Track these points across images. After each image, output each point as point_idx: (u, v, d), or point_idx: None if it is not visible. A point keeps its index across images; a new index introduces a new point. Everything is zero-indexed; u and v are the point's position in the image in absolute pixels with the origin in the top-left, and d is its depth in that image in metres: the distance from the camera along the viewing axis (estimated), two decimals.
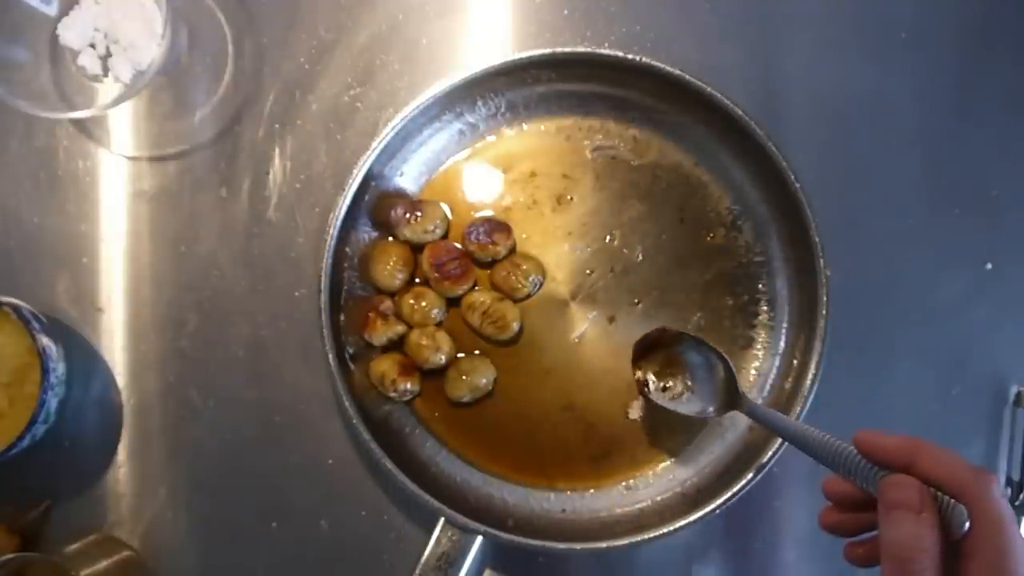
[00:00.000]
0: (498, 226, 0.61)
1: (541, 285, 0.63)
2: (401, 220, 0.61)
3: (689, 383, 0.60)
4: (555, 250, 0.63)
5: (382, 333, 0.60)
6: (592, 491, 0.62)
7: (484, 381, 0.61)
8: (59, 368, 0.59)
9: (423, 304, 0.61)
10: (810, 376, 0.60)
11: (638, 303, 0.63)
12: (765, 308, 0.63)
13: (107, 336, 0.63)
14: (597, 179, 0.64)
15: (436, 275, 0.61)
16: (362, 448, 0.60)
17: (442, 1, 0.65)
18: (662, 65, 0.60)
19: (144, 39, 0.61)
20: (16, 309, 0.57)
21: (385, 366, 0.60)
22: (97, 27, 0.62)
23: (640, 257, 0.63)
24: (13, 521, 0.60)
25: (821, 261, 0.59)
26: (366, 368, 0.61)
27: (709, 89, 0.60)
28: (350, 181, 0.59)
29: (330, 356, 0.58)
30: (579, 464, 0.62)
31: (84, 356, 0.63)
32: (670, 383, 0.60)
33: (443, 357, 0.60)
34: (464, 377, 0.61)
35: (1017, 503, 0.63)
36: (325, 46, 0.65)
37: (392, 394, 0.60)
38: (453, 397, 0.61)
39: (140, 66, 0.62)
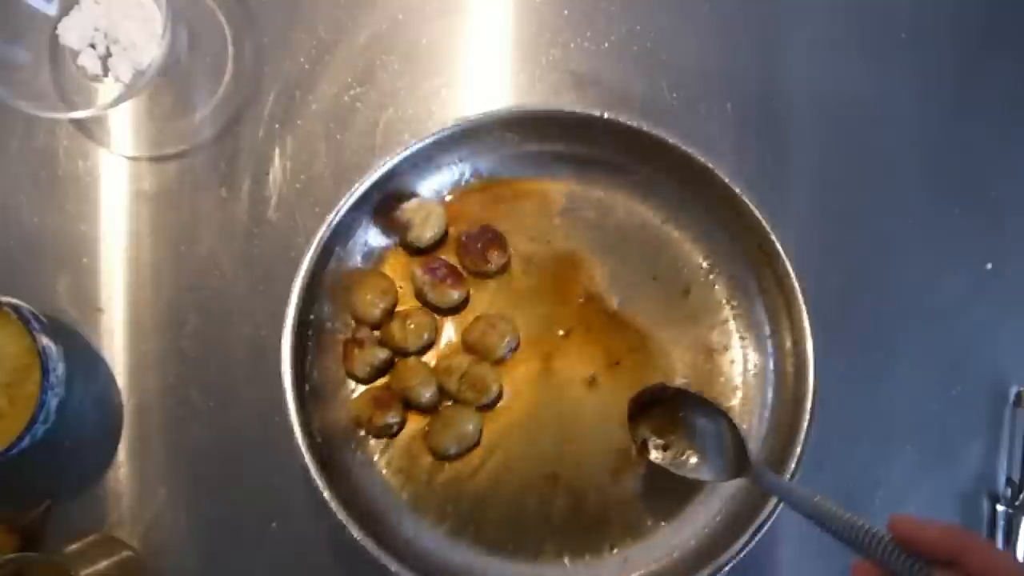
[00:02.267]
0: (493, 239, 0.61)
1: (517, 346, 0.61)
2: (401, 224, 0.60)
3: (692, 444, 0.55)
4: (528, 312, 0.61)
5: (362, 361, 0.59)
6: (585, 562, 0.59)
7: (471, 427, 0.59)
8: (59, 368, 0.59)
9: (411, 326, 0.59)
10: (803, 433, 0.57)
11: (618, 363, 0.61)
12: (752, 357, 0.62)
13: (107, 336, 0.63)
14: (566, 240, 0.62)
15: (433, 279, 0.59)
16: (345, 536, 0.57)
17: (442, 1, 0.65)
18: (621, 119, 0.58)
19: (144, 39, 0.61)
20: (16, 309, 0.57)
21: (359, 405, 0.59)
22: (97, 27, 0.62)
23: (616, 316, 0.61)
24: (13, 521, 0.60)
25: (804, 306, 0.57)
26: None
27: (671, 140, 0.58)
28: (307, 254, 0.58)
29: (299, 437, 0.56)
30: (570, 535, 0.59)
31: (84, 356, 0.63)
32: (671, 443, 0.56)
33: (429, 393, 0.59)
34: (449, 426, 0.59)
35: (1017, 503, 0.63)
36: (325, 46, 0.65)
37: (375, 430, 0.59)
38: (439, 449, 0.59)
39: (140, 66, 0.62)
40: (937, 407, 0.64)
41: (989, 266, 0.65)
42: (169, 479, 0.62)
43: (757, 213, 0.58)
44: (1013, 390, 0.65)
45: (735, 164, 0.64)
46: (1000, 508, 0.63)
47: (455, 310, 0.62)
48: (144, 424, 0.63)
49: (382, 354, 0.60)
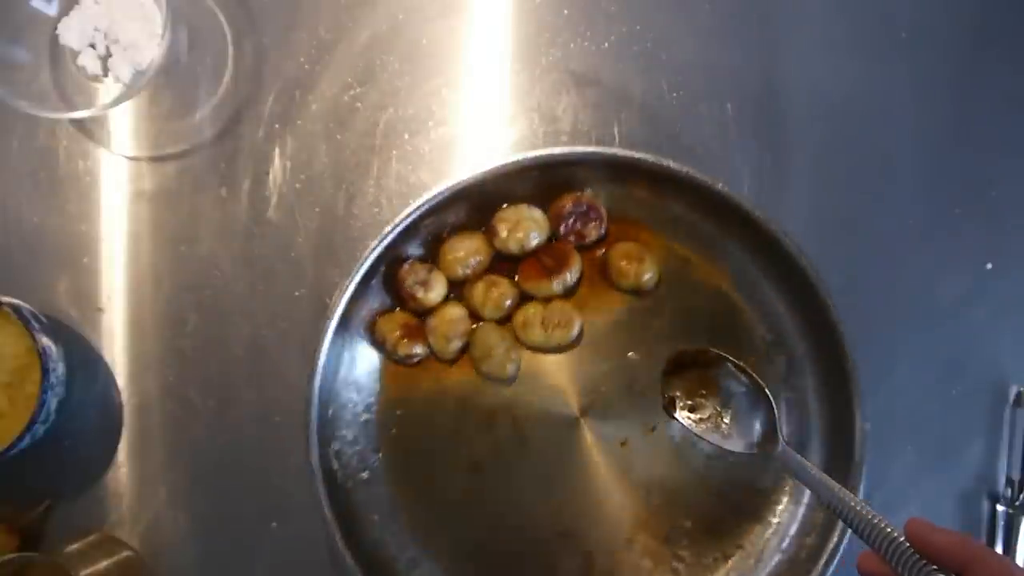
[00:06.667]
0: (588, 212, 0.60)
1: (581, 331, 0.60)
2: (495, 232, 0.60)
3: (720, 410, 0.54)
4: (571, 359, 0.61)
5: (413, 279, 0.59)
6: None
7: (502, 346, 0.60)
8: (59, 368, 0.59)
9: (493, 293, 0.60)
10: (836, 532, 0.57)
11: (654, 429, 0.60)
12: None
13: (107, 336, 0.63)
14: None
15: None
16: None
17: (442, 1, 0.65)
18: (701, 176, 0.57)
19: (144, 39, 0.61)
20: (16, 309, 0.57)
21: (389, 326, 0.59)
22: (97, 27, 0.62)
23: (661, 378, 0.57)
24: (13, 521, 0.60)
25: (858, 410, 0.57)
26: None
27: (747, 205, 0.57)
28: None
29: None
30: None
31: (84, 356, 0.63)
32: (700, 405, 0.55)
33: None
34: (489, 355, 0.60)
35: (1017, 503, 0.63)
36: (325, 46, 0.65)
37: (396, 356, 0.60)
38: (503, 375, 0.60)
39: (140, 66, 0.62)
40: (937, 407, 0.64)
41: (989, 266, 0.65)
42: (169, 479, 0.63)
43: (827, 295, 0.57)
44: (1013, 390, 0.65)
45: (735, 165, 0.64)
46: (1000, 508, 0.63)
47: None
48: (144, 424, 0.63)
49: (437, 289, 0.59)
